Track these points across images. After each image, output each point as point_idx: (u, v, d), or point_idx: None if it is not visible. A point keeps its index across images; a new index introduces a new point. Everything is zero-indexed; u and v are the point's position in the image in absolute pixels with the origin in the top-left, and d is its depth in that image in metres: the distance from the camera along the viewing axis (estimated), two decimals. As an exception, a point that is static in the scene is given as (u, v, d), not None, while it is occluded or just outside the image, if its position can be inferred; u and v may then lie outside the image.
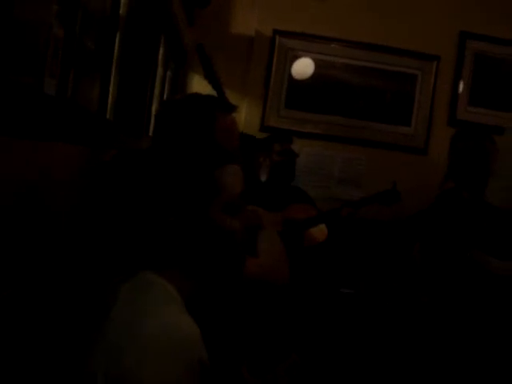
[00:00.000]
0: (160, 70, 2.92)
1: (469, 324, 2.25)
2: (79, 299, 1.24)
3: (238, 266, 1.06)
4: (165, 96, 3.20)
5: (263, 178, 2.86)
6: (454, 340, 2.27)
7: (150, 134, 2.71)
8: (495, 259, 2.30)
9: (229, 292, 1.16)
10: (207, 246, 0.99)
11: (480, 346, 2.24)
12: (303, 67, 3.59)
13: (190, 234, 0.98)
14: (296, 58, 3.58)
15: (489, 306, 2.26)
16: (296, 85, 3.60)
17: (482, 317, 2.25)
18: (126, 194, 1.01)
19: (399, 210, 3.08)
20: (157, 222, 0.97)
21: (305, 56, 3.58)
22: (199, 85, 3.14)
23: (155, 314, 0.90)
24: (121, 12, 1.91)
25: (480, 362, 2.21)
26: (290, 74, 3.59)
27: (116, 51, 1.90)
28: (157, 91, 2.89)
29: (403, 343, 2.49)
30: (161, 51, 2.82)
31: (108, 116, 1.88)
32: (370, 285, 3.29)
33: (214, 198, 0.99)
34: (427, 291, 2.47)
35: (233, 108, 1.51)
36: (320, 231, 2.77)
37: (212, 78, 1.91)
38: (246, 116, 3.48)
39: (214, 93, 1.89)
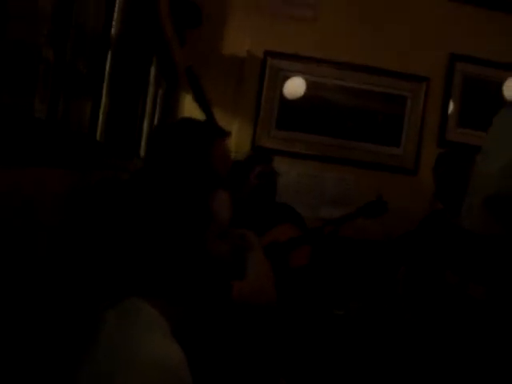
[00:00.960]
0: (151, 90, 2.92)
1: (453, 349, 2.24)
2: (66, 322, 1.22)
3: (226, 290, 1.05)
4: (156, 116, 3.19)
5: (243, 200, 2.80)
6: (441, 363, 2.26)
7: (141, 155, 2.69)
8: (471, 282, 2.28)
9: (216, 316, 1.15)
10: (199, 272, 0.98)
11: (464, 369, 2.22)
12: (294, 87, 3.60)
13: (184, 261, 0.96)
14: (287, 79, 3.60)
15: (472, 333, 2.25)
16: (287, 105, 3.61)
17: (465, 344, 2.24)
18: (117, 220, 0.99)
19: (389, 230, 3.08)
20: (150, 249, 0.95)
21: (296, 76, 3.60)
22: (191, 105, 3.13)
23: (145, 341, 0.88)
24: (112, 32, 1.91)
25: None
26: (281, 95, 3.60)
27: (107, 71, 1.89)
28: (148, 111, 2.88)
29: (395, 365, 2.47)
30: (152, 71, 2.82)
31: (98, 137, 1.86)
32: (359, 306, 3.27)
33: (208, 225, 0.99)
34: (411, 316, 2.45)
35: (227, 134, 1.51)
36: (303, 254, 2.73)
37: (201, 100, 1.90)
38: (236, 136, 3.48)
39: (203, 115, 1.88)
